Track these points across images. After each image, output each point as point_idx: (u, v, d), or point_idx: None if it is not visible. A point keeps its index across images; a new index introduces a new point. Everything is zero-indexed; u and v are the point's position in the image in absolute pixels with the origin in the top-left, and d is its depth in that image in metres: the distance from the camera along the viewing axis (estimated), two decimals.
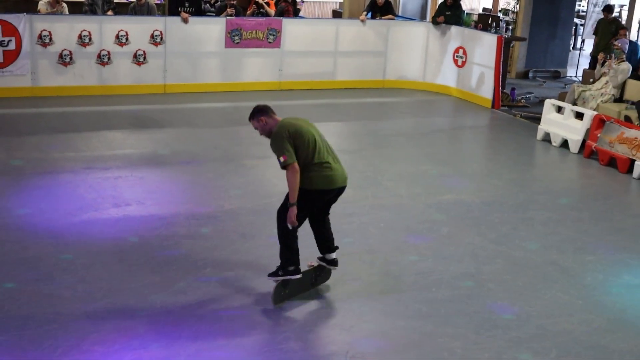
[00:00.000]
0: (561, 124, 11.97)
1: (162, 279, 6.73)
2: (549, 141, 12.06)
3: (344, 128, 12.55)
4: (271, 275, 6.40)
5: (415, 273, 7.15)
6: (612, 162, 10.92)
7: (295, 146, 6.09)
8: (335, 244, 6.63)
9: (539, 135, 12.27)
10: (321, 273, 6.70)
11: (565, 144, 11.80)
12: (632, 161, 10.58)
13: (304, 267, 6.45)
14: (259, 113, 6.25)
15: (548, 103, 12.40)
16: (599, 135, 11.22)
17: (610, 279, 7.30)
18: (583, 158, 11.37)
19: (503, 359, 5.79)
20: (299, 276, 6.37)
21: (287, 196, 6.16)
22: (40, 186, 8.80)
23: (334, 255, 6.60)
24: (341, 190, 6.39)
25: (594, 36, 16.37)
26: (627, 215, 9.19)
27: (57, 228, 7.68)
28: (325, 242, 6.58)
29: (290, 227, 6.16)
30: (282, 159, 6.03)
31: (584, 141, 11.50)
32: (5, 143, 10.43)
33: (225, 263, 7.12)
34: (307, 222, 6.42)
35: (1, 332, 5.70)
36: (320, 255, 6.64)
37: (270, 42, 14.37)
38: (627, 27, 14.86)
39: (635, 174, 10.49)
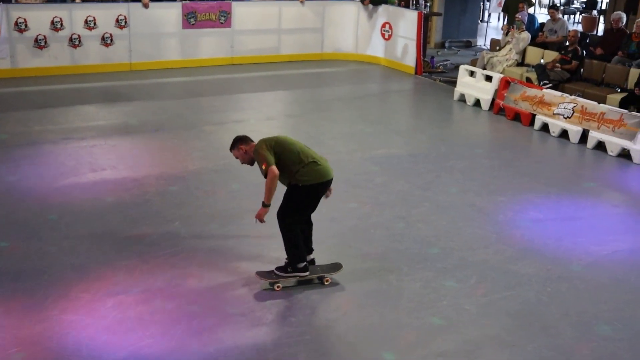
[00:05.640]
0: (474, 86, 12.07)
1: (136, 232, 6.65)
2: (464, 101, 12.16)
3: (288, 96, 12.45)
4: (279, 270, 5.70)
5: (356, 218, 7.20)
6: (516, 117, 11.07)
7: (278, 153, 5.43)
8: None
9: (456, 96, 12.36)
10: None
11: (477, 103, 11.91)
12: (533, 115, 10.75)
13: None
14: (239, 142, 5.63)
15: (462, 68, 12.47)
16: (505, 94, 11.35)
17: (519, 215, 7.46)
18: (492, 114, 11.50)
19: (431, 286, 5.89)
20: (307, 273, 5.74)
21: (283, 197, 5.55)
22: (24, 156, 8.57)
23: (312, 256, 5.90)
24: (330, 182, 5.68)
25: (502, 12, 16.38)
26: (530, 162, 9.36)
27: (42, 192, 7.51)
28: (308, 242, 5.90)
29: (255, 221, 5.53)
30: (263, 167, 5.38)
31: (493, 100, 11.63)
32: None
33: (192, 216, 7.06)
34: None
35: None
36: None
37: (222, 23, 14.10)
38: (532, 3, 14.93)
39: (535, 126, 10.66)
